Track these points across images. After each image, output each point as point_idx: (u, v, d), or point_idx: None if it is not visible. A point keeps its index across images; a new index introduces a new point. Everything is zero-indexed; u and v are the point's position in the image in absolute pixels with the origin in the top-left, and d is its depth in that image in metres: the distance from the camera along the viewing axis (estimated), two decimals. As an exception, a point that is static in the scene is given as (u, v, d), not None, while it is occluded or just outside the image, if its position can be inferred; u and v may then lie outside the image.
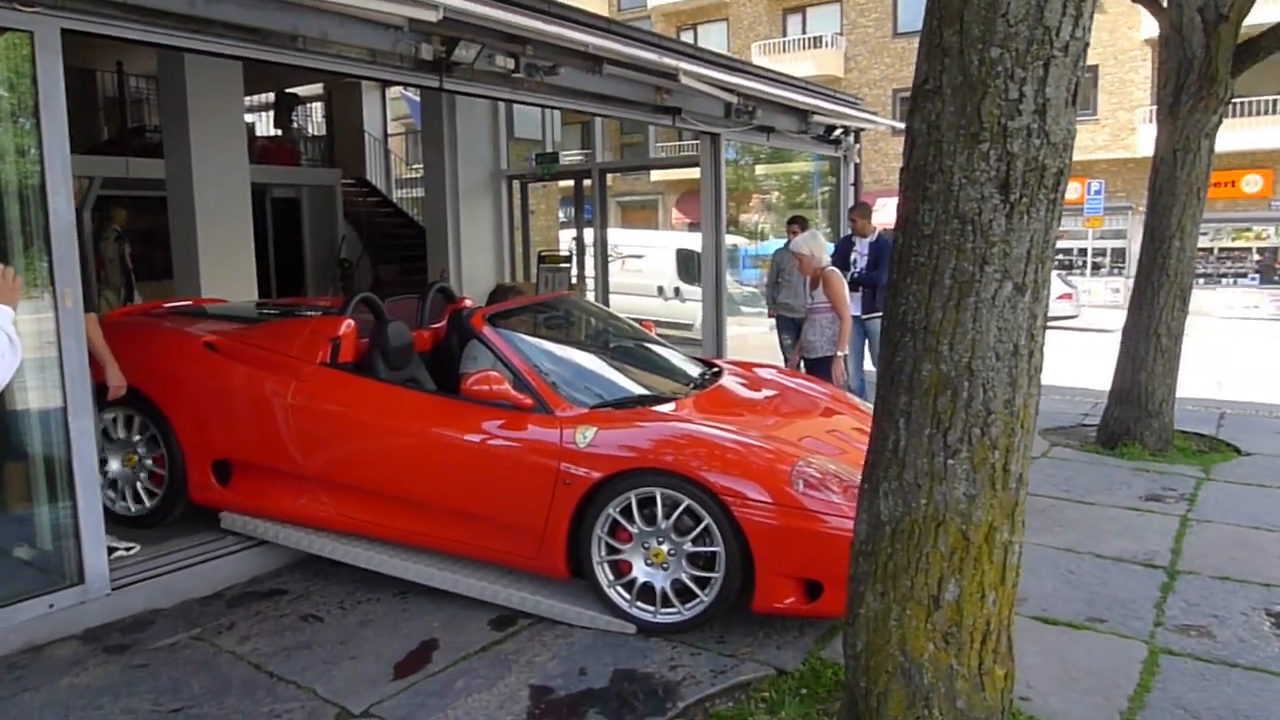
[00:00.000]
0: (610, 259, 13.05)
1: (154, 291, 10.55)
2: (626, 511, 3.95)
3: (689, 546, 3.87)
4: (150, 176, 9.66)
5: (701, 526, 3.83)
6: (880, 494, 2.65)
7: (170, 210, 8.56)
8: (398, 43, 4.95)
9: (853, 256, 7.67)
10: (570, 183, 13.65)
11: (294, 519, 4.65)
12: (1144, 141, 22.71)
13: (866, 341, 7.64)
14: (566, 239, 13.98)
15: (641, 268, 14.33)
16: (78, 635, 3.97)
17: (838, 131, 9.61)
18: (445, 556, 4.39)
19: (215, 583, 4.51)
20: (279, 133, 14.67)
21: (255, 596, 4.43)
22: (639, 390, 4.77)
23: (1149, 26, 21.91)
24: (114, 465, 4.94)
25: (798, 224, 7.89)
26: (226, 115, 8.59)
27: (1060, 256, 23.74)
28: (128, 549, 4.52)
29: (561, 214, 16.09)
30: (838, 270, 5.95)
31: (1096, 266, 25.54)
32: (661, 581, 3.94)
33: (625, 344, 5.57)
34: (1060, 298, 19.40)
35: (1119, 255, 25.14)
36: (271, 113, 14.81)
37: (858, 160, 10.30)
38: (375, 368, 4.72)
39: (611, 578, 4.01)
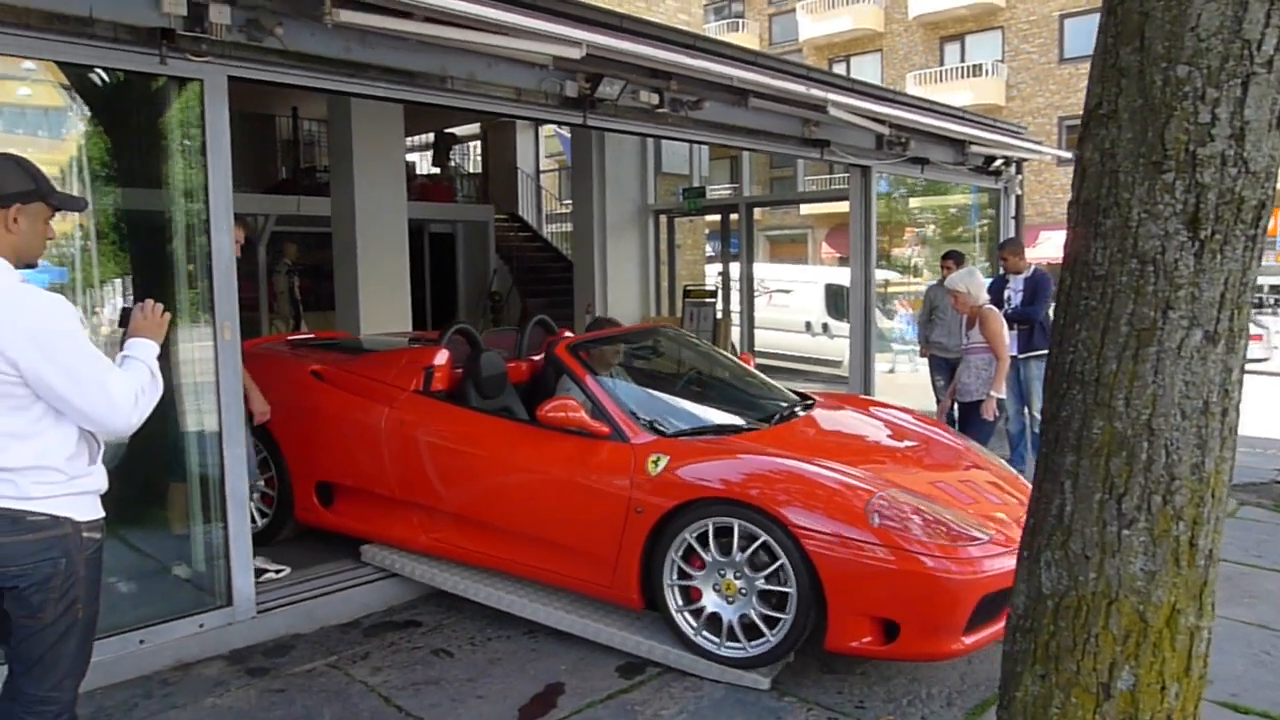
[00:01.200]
0: (757, 294, 12.87)
1: (319, 322, 11.13)
2: (701, 539, 3.88)
3: (761, 583, 3.76)
4: (319, 214, 10.21)
5: (772, 558, 3.73)
6: (1042, 563, 2.37)
7: (334, 245, 9.01)
8: (543, 81, 5.00)
9: (1006, 294, 7.22)
10: (717, 217, 13.60)
11: (387, 539, 4.84)
12: (1348, 169, 20.73)
13: (1022, 384, 7.16)
14: (713, 274, 13.89)
15: (789, 303, 14.06)
16: (224, 655, 4.10)
17: (998, 162, 9.14)
18: (576, 598, 4.32)
19: (353, 610, 4.59)
20: (437, 170, 15.28)
21: (391, 626, 4.47)
22: (718, 420, 4.69)
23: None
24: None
25: (952, 259, 7.50)
26: (388, 155, 8.98)
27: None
28: (278, 571, 4.67)
29: (709, 248, 16.05)
30: (996, 309, 5.58)
31: (1291, 305, 23.41)
32: (730, 614, 3.85)
33: (715, 375, 5.54)
34: (1250, 339, 17.84)
35: (1318, 293, 22.96)
36: (431, 152, 15.44)
37: (1019, 192, 9.77)
38: (467, 396, 4.86)
39: (681, 603, 3.95)
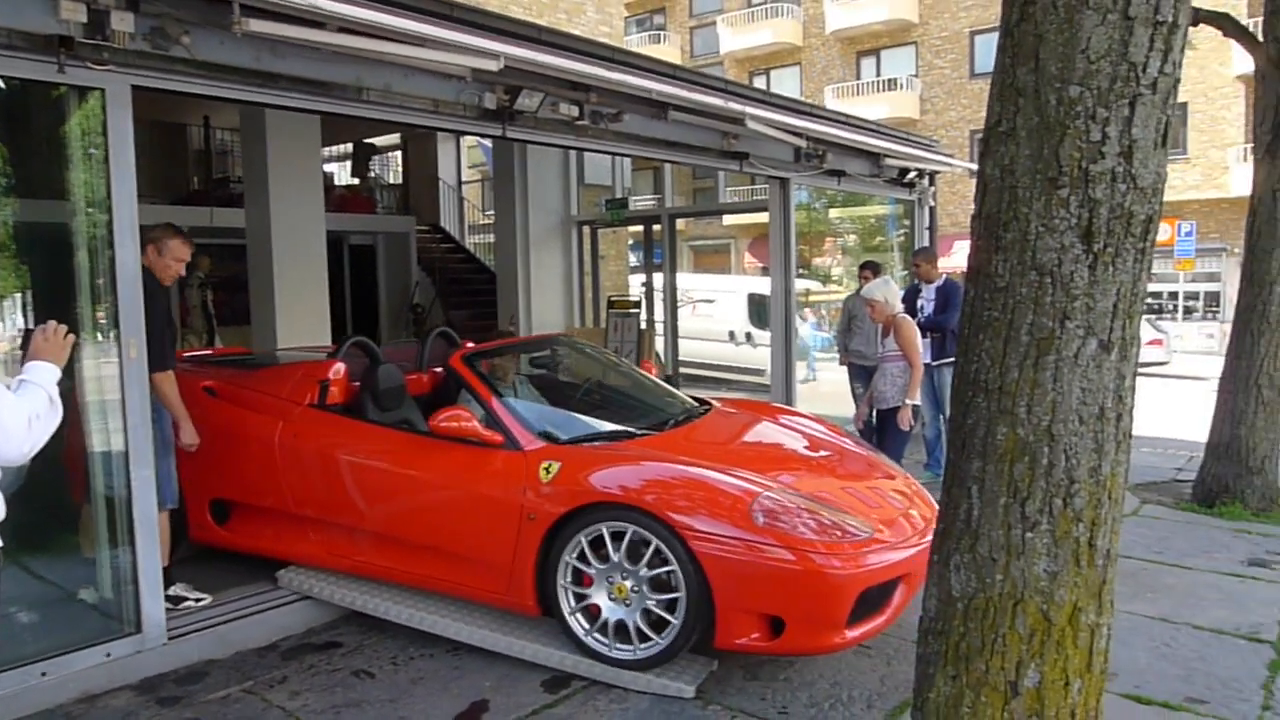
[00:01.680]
0: (680, 304, 12.96)
1: (234, 337, 10.83)
2: (594, 544, 3.92)
3: (647, 573, 3.83)
4: (233, 225, 9.94)
5: (663, 561, 3.78)
6: (951, 567, 2.45)
7: (249, 258, 8.78)
8: (461, 93, 4.96)
9: (920, 303, 7.42)
10: (640, 228, 13.66)
11: (285, 555, 4.78)
12: (1237, 181, 21.86)
13: (936, 390, 7.37)
14: (637, 284, 13.95)
15: (712, 313, 14.20)
16: (133, 685, 3.94)
17: (912, 174, 9.40)
18: (499, 615, 4.29)
19: (270, 633, 4.47)
20: (356, 181, 15.04)
21: (310, 649, 4.37)
22: (612, 427, 4.72)
23: (1240, 62, 21.18)
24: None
25: (870, 269, 7.68)
26: (305, 166, 8.80)
27: (1150, 300, 22.88)
28: (198, 600, 4.51)
29: (632, 259, 16.10)
30: (909, 318, 5.72)
31: (1189, 310, 24.55)
32: (624, 617, 3.90)
33: (613, 383, 5.59)
34: (1150, 343, 18.62)
35: (1213, 299, 24.13)
36: (350, 162, 15.20)
37: (933, 203, 10.05)
38: (365, 409, 4.85)
39: (574, 605, 3.99)
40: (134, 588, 4.02)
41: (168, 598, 4.21)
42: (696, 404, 5.34)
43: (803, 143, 7.34)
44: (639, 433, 4.63)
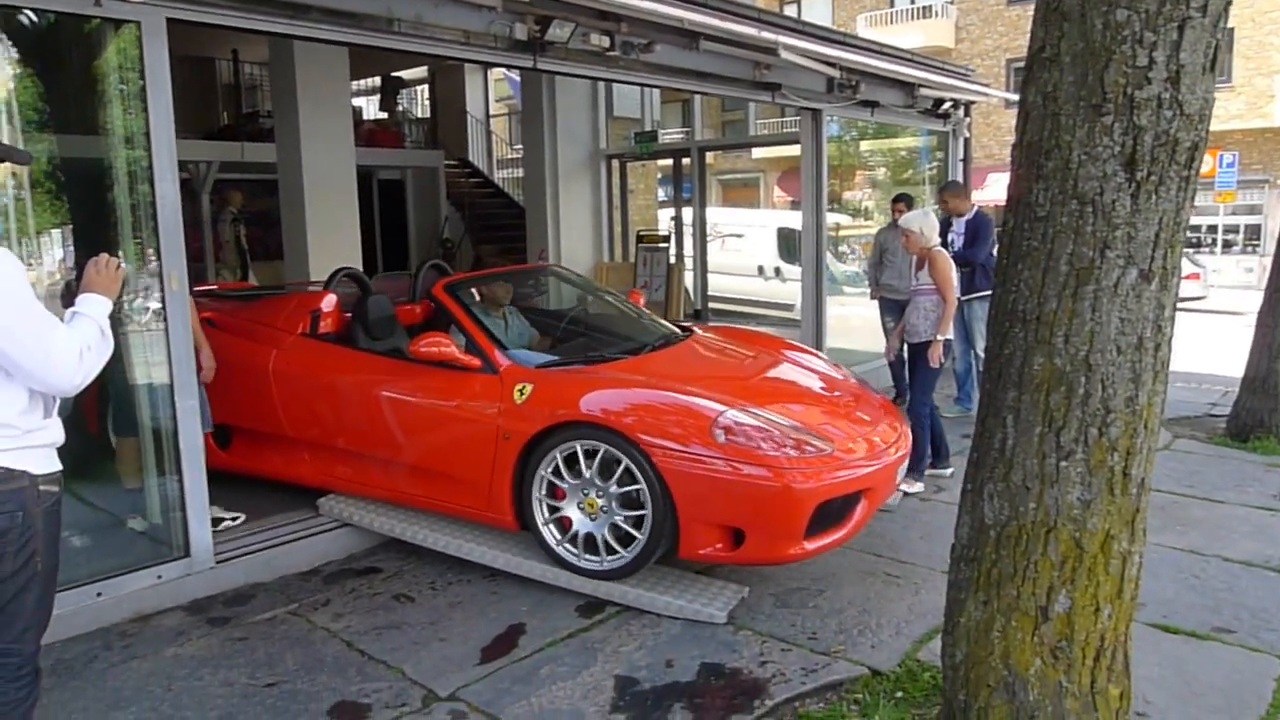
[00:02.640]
0: (710, 238, 12.88)
1: (267, 272, 10.93)
2: (567, 461, 4.12)
3: (616, 490, 4.02)
4: (264, 160, 9.96)
5: (629, 476, 3.98)
6: (984, 495, 2.47)
7: (281, 193, 8.82)
8: (492, 23, 4.91)
9: (950, 237, 7.32)
10: (669, 161, 13.53)
11: (284, 478, 5.02)
12: (1284, 110, 21.19)
13: (966, 325, 7.32)
14: (665, 218, 13.86)
15: (741, 247, 14.10)
16: (183, 606, 4.10)
17: (947, 105, 9.21)
18: (534, 543, 4.39)
19: (313, 558, 4.61)
20: (385, 115, 14.96)
21: (351, 574, 4.51)
22: (587, 351, 4.93)
23: (1293, -14, 20.37)
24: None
25: (903, 202, 7.57)
26: (334, 100, 8.77)
27: (1188, 234, 22.46)
28: (234, 519, 4.67)
29: (661, 193, 15.99)
30: (945, 251, 5.64)
31: (1228, 244, 24.00)
32: (593, 530, 4.11)
33: (595, 310, 5.77)
34: (1187, 278, 18.29)
35: (1253, 232, 23.56)
36: (378, 96, 15.10)
37: (968, 134, 9.86)
38: (356, 338, 5.07)
39: (546, 515, 4.21)
40: (182, 514, 4.16)
41: None
42: (678, 331, 5.51)
43: (836, 73, 7.21)
44: (613, 357, 4.78)
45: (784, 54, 6.30)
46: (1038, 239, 2.31)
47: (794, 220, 12.82)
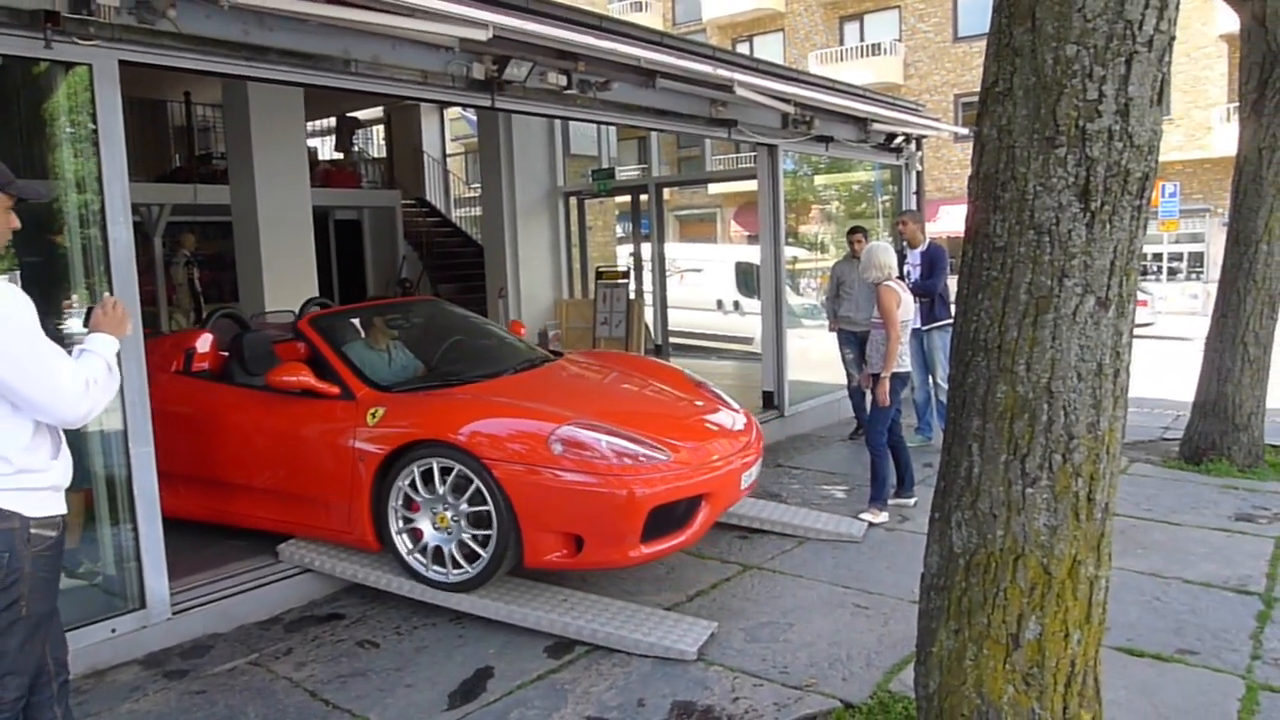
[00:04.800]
0: (669, 274, 12.95)
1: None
2: (422, 479, 4.30)
3: (465, 508, 4.21)
4: (217, 202, 9.86)
5: (476, 492, 4.16)
6: (953, 524, 2.49)
7: (236, 234, 8.73)
8: (449, 63, 4.93)
9: (905, 268, 7.42)
10: (627, 198, 13.62)
11: (169, 513, 4.86)
12: (1220, 141, 21.91)
13: (926, 354, 7.41)
14: (624, 254, 13.92)
15: (700, 282, 14.18)
16: (139, 659, 3.98)
17: (899, 139, 9.40)
18: (499, 585, 4.35)
19: (273, 606, 4.50)
20: (340, 156, 14.91)
21: (313, 621, 4.40)
22: (446, 375, 5.09)
23: (1224, 21, 21.17)
24: None
25: (860, 234, 7.68)
26: (289, 141, 8.73)
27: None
28: None
29: (619, 229, 16.06)
30: (893, 285, 5.66)
31: (1173, 272, 24.65)
32: (445, 544, 4.29)
33: (467, 339, 5.91)
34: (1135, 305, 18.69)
35: (1196, 260, 24.24)
36: (333, 137, 15.05)
37: (920, 168, 10.06)
38: (233, 374, 5.22)
39: (400, 526, 4.38)
40: (136, 564, 4.04)
41: None
42: (548, 355, 5.77)
43: (791, 109, 7.33)
44: (471, 379, 4.95)
45: (739, 90, 6.40)
46: (997, 269, 2.35)
47: (752, 254, 12.95)
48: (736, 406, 5.24)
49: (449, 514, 4.26)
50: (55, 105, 3.95)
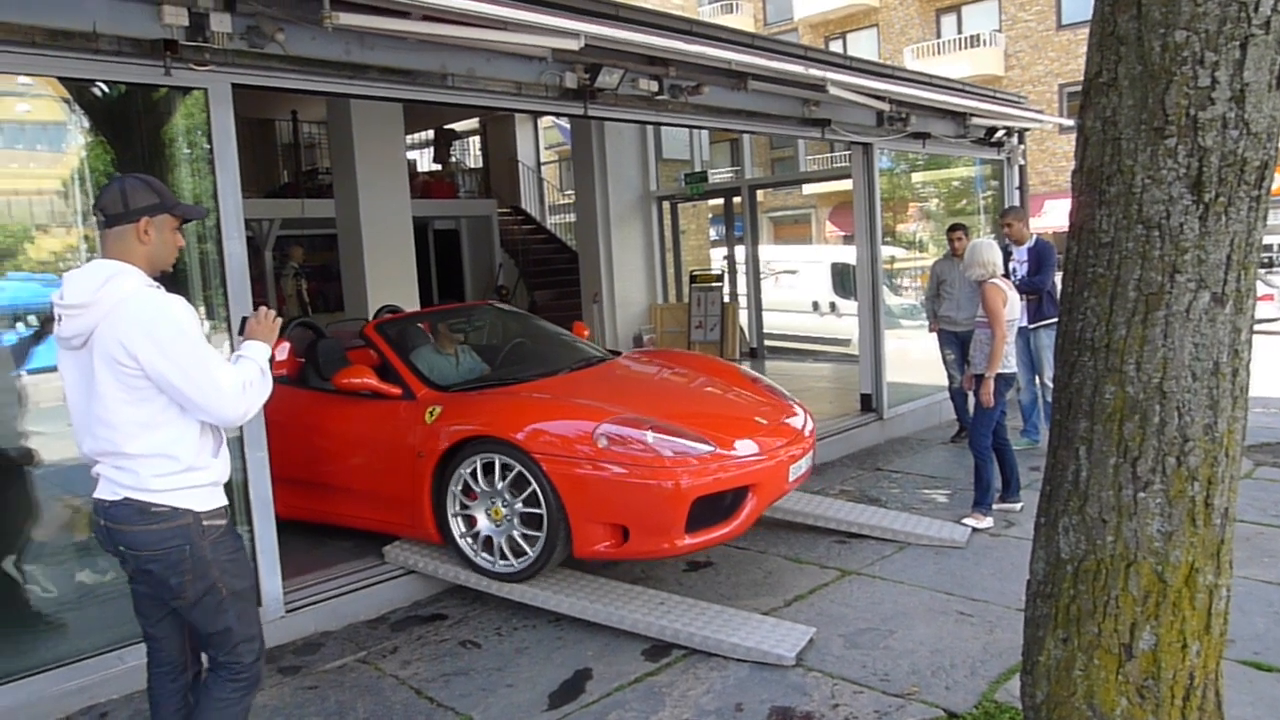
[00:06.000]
0: (763, 276, 12.87)
1: (329, 323, 11.17)
2: (474, 475, 4.46)
3: (520, 506, 4.36)
4: (323, 216, 10.24)
5: (526, 483, 4.31)
6: (1059, 529, 2.40)
7: (340, 246, 9.04)
8: (542, 73, 5.02)
9: (1011, 265, 7.19)
10: (720, 201, 13.59)
11: None
12: (1353, 123, 20.54)
13: (1032, 354, 7.17)
14: (718, 258, 13.88)
15: (795, 284, 14.03)
16: (256, 656, 4.15)
17: (1000, 133, 9.12)
18: (597, 588, 4.41)
19: (379, 606, 4.65)
20: (438, 167, 15.29)
21: (417, 621, 4.53)
22: (503, 375, 5.27)
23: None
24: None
25: (961, 231, 7.48)
26: (390, 154, 9.00)
27: (1260, 255, 21.70)
28: None
29: (713, 232, 16.03)
30: (998, 283, 5.48)
31: (1300, 263, 23.23)
32: (498, 536, 4.46)
33: (530, 341, 6.07)
34: (1260, 299, 17.70)
35: (1327, 250, 22.77)
36: (431, 149, 15.45)
37: (1022, 162, 9.74)
38: (308, 379, 5.40)
39: (464, 529, 4.56)
40: (253, 565, 4.21)
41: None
42: (605, 355, 5.85)
43: (886, 106, 7.20)
44: (526, 378, 5.10)
45: (833, 90, 6.32)
46: (1103, 265, 2.27)
47: (847, 255, 12.76)
48: (792, 401, 5.29)
49: (503, 507, 4.42)
50: (174, 128, 4.18)
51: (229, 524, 2.65)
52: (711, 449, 4.32)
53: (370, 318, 6.27)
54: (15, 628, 4.02)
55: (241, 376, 2.55)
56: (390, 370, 5.00)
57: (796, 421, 4.94)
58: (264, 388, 2.62)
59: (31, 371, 3.97)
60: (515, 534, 4.41)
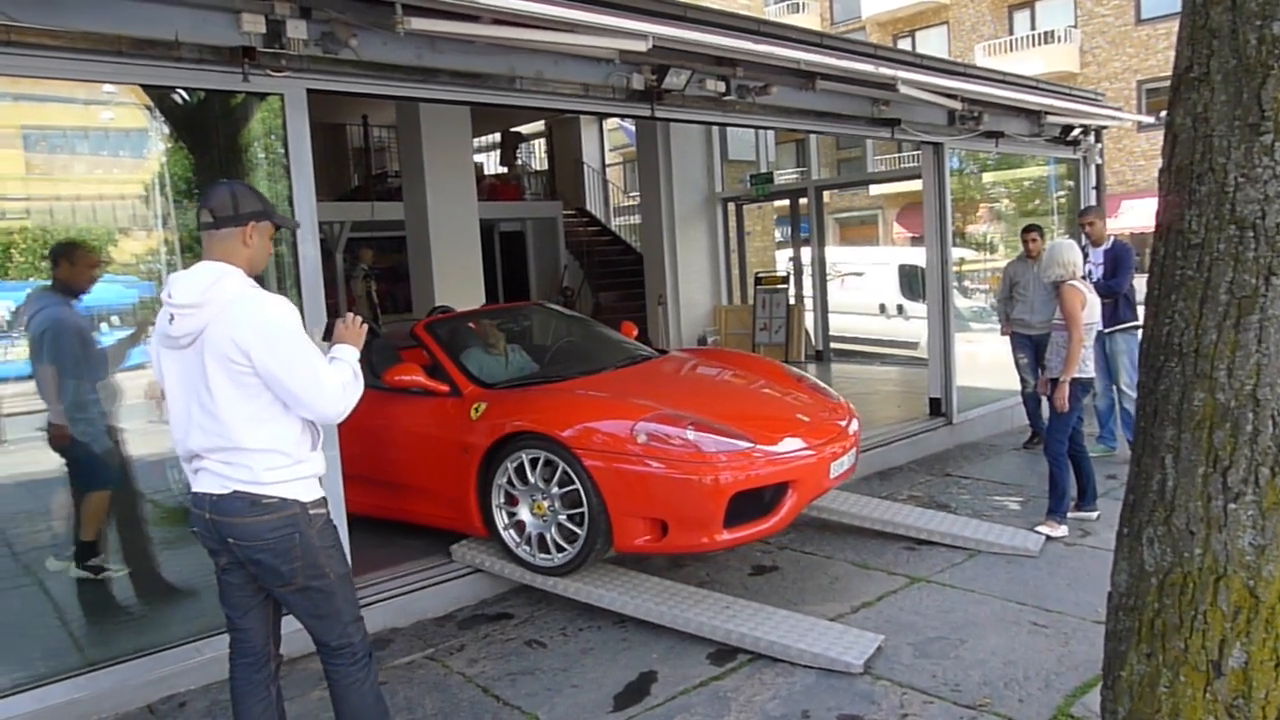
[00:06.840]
0: (829, 278, 12.73)
1: (398, 324, 11.38)
2: (518, 471, 4.53)
3: (558, 491, 4.42)
4: (393, 219, 10.43)
5: (567, 479, 4.38)
6: (1144, 540, 2.32)
7: (409, 248, 9.20)
8: (609, 75, 5.03)
9: (1087, 267, 6.97)
10: (786, 202, 13.48)
11: None
12: None
13: (1108, 359, 6.94)
14: (783, 259, 13.77)
15: (861, 286, 13.84)
16: (326, 650, 4.23)
17: (1075, 131, 8.88)
18: (663, 590, 4.40)
19: (447, 604, 4.71)
20: (505, 170, 15.45)
21: (484, 619, 4.57)
22: (547, 373, 5.33)
23: None
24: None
25: (1034, 232, 7.30)
26: (457, 157, 9.13)
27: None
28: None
29: (778, 234, 15.93)
30: (1079, 284, 5.32)
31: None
32: (542, 529, 4.52)
33: (577, 339, 6.14)
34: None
35: None
36: (497, 152, 15.62)
37: (1099, 161, 9.48)
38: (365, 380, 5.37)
39: (506, 521, 4.64)
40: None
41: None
42: (651, 353, 5.89)
43: (957, 105, 7.06)
44: (570, 375, 5.15)
45: (903, 88, 6.22)
46: (1193, 268, 2.18)
47: (915, 257, 12.55)
48: (836, 398, 5.31)
49: (545, 502, 4.47)
50: (250, 133, 4.29)
51: (328, 513, 2.76)
52: (751, 445, 4.34)
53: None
54: (103, 618, 4.17)
55: (340, 376, 2.68)
56: (439, 368, 5.11)
57: (839, 419, 4.94)
58: (357, 388, 2.74)
59: (126, 369, 4.14)
60: (556, 528, 4.46)
